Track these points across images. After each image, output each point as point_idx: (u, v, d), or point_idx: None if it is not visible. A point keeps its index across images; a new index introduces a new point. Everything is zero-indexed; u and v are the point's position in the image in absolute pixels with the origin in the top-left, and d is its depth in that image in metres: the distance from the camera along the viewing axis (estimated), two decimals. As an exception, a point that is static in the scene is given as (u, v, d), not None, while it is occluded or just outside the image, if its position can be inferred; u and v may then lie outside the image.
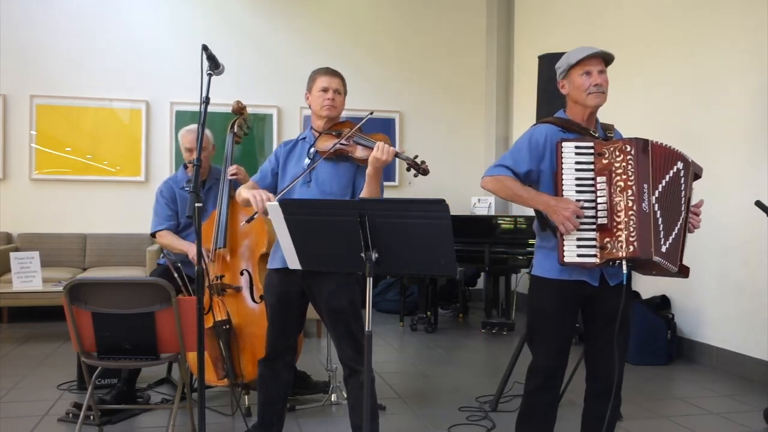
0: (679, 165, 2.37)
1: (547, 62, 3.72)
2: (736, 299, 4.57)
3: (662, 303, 5.05)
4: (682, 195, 2.38)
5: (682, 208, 2.38)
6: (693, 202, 2.47)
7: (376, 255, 2.03)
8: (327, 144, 2.76)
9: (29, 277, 5.20)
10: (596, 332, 2.49)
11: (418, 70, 7.75)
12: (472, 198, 7.19)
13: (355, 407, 2.75)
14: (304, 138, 2.90)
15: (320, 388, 3.84)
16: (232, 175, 3.60)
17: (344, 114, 2.94)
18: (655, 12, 5.40)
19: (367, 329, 2.11)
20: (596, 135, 2.44)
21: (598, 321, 2.47)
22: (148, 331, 2.71)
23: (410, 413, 3.66)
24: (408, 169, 2.62)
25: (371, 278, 2.07)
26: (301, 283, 2.74)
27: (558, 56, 3.73)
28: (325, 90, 2.82)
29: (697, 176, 2.47)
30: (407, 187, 7.65)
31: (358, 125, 2.78)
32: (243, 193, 2.76)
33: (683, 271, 2.42)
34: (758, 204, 3.62)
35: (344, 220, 2.04)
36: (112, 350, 2.76)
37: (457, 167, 7.63)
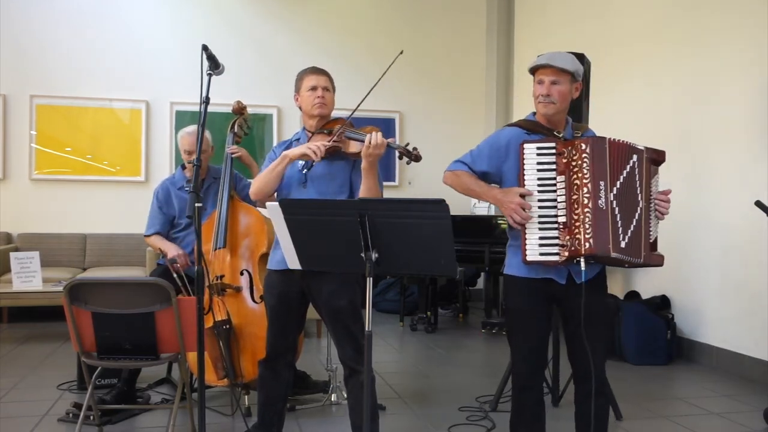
0: (634, 158, 2.39)
1: (547, 62, 3.71)
2: (736, 299, 4.57)
3: (662, 303, 5.04)
4: (638, 186, 2.39)
5: (639, 199, 2.39)
6: (662, 188, 2.49)
7: (376, 255, 2.03)
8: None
9: (29, 277, 5.19)
10: (571, 331, 2.50)
11: (418, 70, 7.75)
12: (472, 198, 7.18)
13: (355, 407, 2.74)
14: (298, 139, 2.89)
15: (320, 388, 3.84)
16: (233, 153, 3.65)
17: (340, 112, 2.92)
18: (655, 12, 5.40)
19: (367, 329, 2.11)
20: (560, 136, 2.45)
21: (570, 320, 2.48)
22: (148, 331, 2.71)
23: (410, 413, 3.66)
24: (400, 158, 2.62)
25: (371, 278, 2.07)
26: (301, 283, 2.73)
27: (558, 56, 3.76)
28: (314, 88, 2.81)
29: (656, 162, 2.47)
30: (407, 187, 7.65)
31: (349, 117, 2.76)
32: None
33: (655, 260, 2.42)
34: (758, 204, 3.62)
35: (344, 220, 2.04)
36: (112, 350, 2.76)
37: (457, 167, 7.61)
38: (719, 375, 4.52)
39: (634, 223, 2.36)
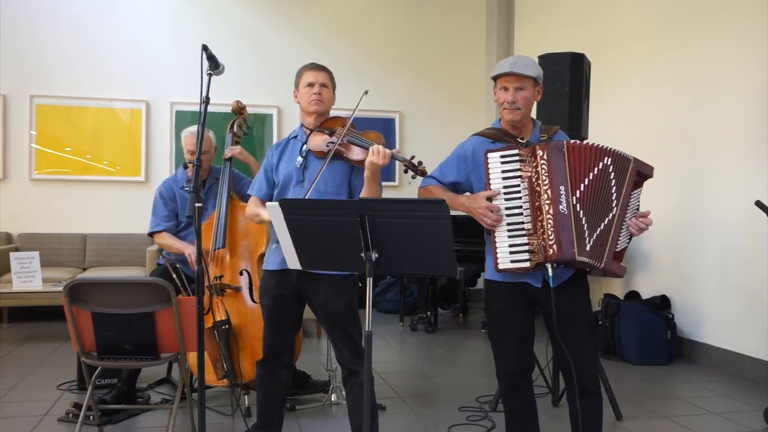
0: (607, 161, 2.35)
1: (547, 62, 3.72)
2: (736, 299, 4.57)
3: (662, 303, 5.04)
4: (613, 191, 2.36)
5: (614, 205, 2.36)
6: (640, 207, 2.43)
7: (376, 255, 2.03)
8: (319, 142, 2.72)
9: (29, 277, 5.20)
10: (559, 333, 2.48)
11: (418, 70, 7.75)
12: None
13: (354, 407, 2.74)
14: (296, 136, 2.86)
15: (320, 388, 3.84)
16: (226, 156, 3.67)
17: (340, 112, 2.90)
18: (655, 12, 5.40)
19: (367, 329, 2.11)
20: (524, 141, 2.45)
21: (550, 323, 2.47)
22: (148, 331, 2.71)
23: (410, 413, 3.66)
24: (405, 171, 2.61)
25: (371, 278, 2.07)
26: (297, 285, 2.73)
27: (558, 56, 3.76)
28: (311, 85, 2.78)
29: (644, 175, 2.42)
30: (407, 187, 7.64)
31: (350, 120, 2.72)
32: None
33: (615, 269, 2.38)
34: (758, 204, 3.62)
35: (344, 220, 2.04)
36: (112, 350, 2.76)
37: (457, 167, 7.61)
38: (719, 375, 4.52)
39: (602, 227, 2.34)
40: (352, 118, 2.75)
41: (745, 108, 4.51)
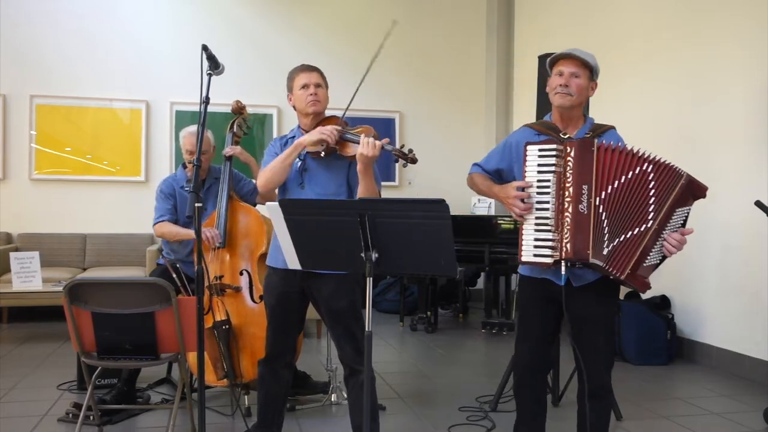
0: (646, 168, 2.30)
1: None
2: (736, 299, 4.57)
3: (662, 303, 5.04)
4: (651, 202, 2.30)
5: (649, 217, 2.30)
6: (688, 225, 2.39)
7: (376, 255, 2.03)
8: (316, 144, 2.73)
9: (29, 277, 5.20)
10: (574, 334, 2.49)
11: (418, 70, 7.75)
12: (472, 198, 7.18)
13: (354, 407, 2.75)
14: (293, 137, 2.87)
15: (320, 388, 3.84)
16: (226, 154, 3.67)
17: (338, 112, 2.90)
18: (655, 12, 5.40)
19: (367, 329, 2.11)
20: (566, 137, 2.43)
21: (569, 323, 2.48)
22: (148, 331, 2.71)
23: (410, 413, 3.66)
24: (396, 161, 2.61)
25: (371, 278, 2.07)
26: (301, 283, 2.73)
27: (558, 56, 3.76)
28: (305, 86, 2.79)
29: (694, 194, 2.38)
30: (407, 187, 7.65)
31: (342, 117, 2.74)
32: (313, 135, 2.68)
33: (637, 283, 2.33)
34: (758, 204, 3.62)
35: (344, 220, 2.04)
36: (112, 350, 2.76)
37: (457, 167, 7.57)
38: (719, 375, 4.52)
39: (628, 235, 2.29)
40: (344, 115, 2.77)
41: (745, 108, 4.51)
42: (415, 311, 6.29)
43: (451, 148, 7.80)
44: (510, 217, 6.37)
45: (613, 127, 2.54)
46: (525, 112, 7.20)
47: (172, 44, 7.03)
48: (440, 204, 1.95)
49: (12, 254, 5.28)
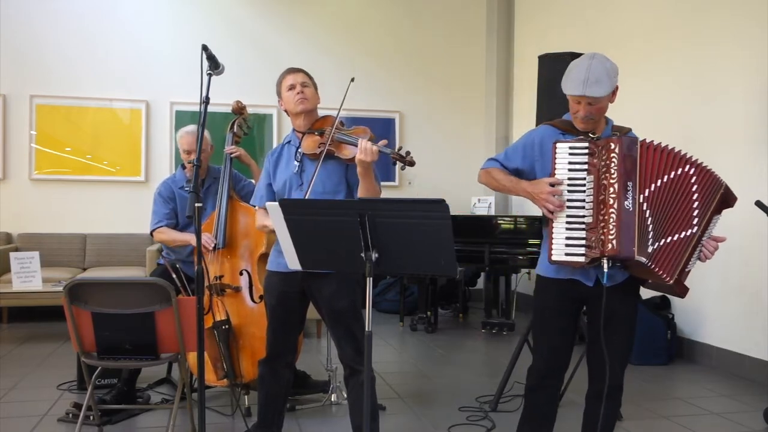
0: (688, 170, 2.30)
1: (547, 62, 3.72)
2: (736, 299, 4.57)
3: (662, 303, 5.04)
4: (695, 206, 2.29)
5: (694, 223, 2.28)
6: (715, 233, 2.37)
7: (376, 255, 2.03)
8: (311, 144, 2.74)
9: (29, 277, 5.20)
10: (594, 334, 2.48)
11: (418, 70, 7.75)
12: (472, 198, 7.19)
13: (355, 407, 2.74)
14: (289, 141, 2.88)
15: (320, 388, 3.84)
16: (231, 153, 3.66)
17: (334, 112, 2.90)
18: (655, 12, 5.40)
19: (367, 329, 2.11)
20: (594, 137, 2.42)
21: (594, 322, 2.46)
22: (148, 331, 2.71)
23: (410, 413, 3.66)
24: (394, 163, 2.61)
25: (371, 278, 2.07)
26: (301, 283, 2.73)
27: (558, 56, 3.76)
28: (292, 87, 2.80)
29: (726, 203, 2.37)
30: (407, 187, 7.65)
31: (336, 118, 2.74)
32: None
33: (680, 288, 2.33)
34: (758, 204, 3.62)
35: (344, 220, 2.04)
36: (112, 350, 2.76)
37: (457, 167, 7.62)
38: (719, 375, 4.52)
39: (675, 238, 2.27)
40: (338, 116, 2.76)
41: (745, 108, 4.51)
42: (415, 311, 6.29)
43: (451, 148, 7.80)
44: (510, 217, 6.38)
45: (630, 129, 2.55)
46: (525, 112, 7.20)
47: (172, 44, 7.03)
48: (440, 204, 1.95)
49: (12, 254, 5.28)
